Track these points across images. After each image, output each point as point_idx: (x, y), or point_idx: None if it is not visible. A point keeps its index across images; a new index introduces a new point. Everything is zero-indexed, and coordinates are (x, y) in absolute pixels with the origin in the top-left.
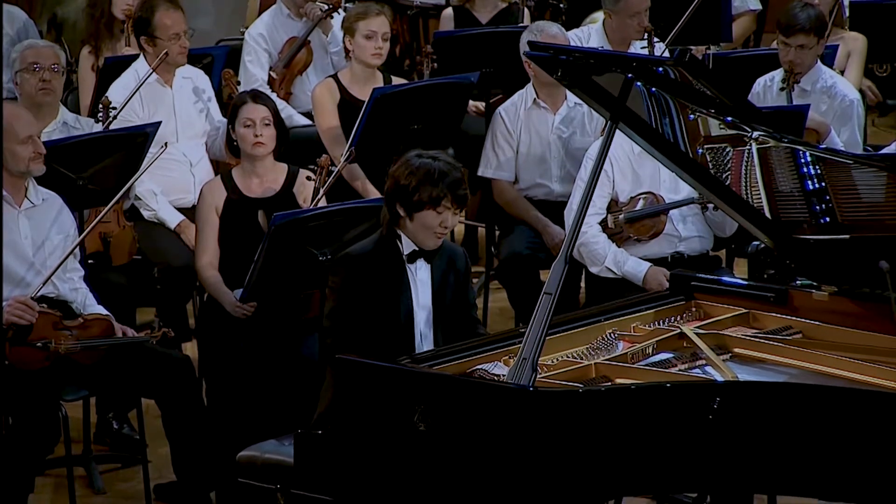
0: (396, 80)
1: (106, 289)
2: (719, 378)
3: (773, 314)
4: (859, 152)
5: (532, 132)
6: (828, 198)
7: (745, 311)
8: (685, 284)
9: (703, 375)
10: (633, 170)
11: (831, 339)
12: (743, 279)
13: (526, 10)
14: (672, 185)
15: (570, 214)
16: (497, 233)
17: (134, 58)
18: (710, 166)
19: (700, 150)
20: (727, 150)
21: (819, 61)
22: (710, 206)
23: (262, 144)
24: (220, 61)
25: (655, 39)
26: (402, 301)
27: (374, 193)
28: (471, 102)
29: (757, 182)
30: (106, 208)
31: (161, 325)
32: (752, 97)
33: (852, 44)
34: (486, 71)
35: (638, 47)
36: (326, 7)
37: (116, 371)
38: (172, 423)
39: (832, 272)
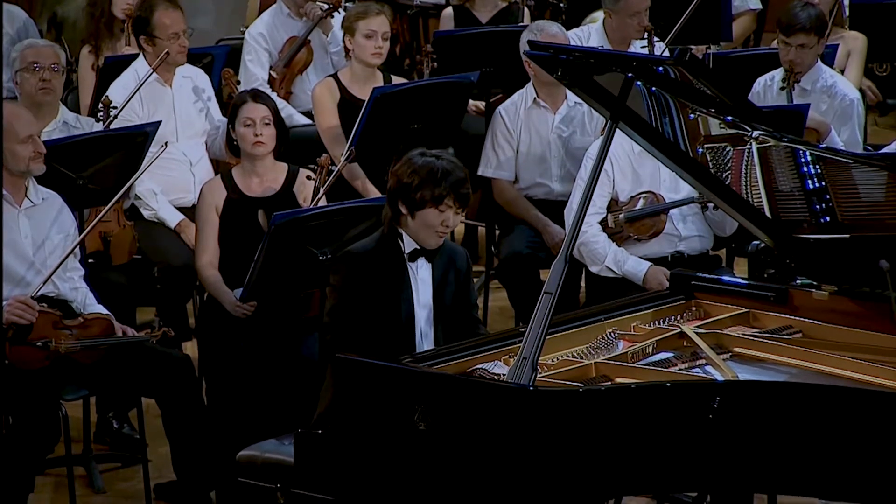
0: (396, 80)
1: (106, 288)
2: (719, 377)
3: (774, 313)
4: (859, 152)
5: (532, 131)
6: (828, 197)
7: (745, 310)
8: (685, 284)
9: (704, 375)
10: (634, 169)
11: (831, 339)
12: (743, 278)
13: (526, 9)
14: (672, 185)
15: (570, 214)
16: (497, 232)
17: (134, 57)
18: (711, 166)
19: (700, 150)
20: (727, 149)
21: (819, 61)
22: (711, 205)
23: (262, 144)
24: (220, 60)
25: (655, 39)
26: (402, 299)
27: (374, 193)
28: (471, 102)
29: (757, 181)
30: (106, 208)
31: (161, 325)
32: (752, 97)
33: (852, 43)
34: (486, 70)
35: (638, 47)
36: (326, 6)
37: (116, 370)
38: (172, 422)
39: (832, 271)
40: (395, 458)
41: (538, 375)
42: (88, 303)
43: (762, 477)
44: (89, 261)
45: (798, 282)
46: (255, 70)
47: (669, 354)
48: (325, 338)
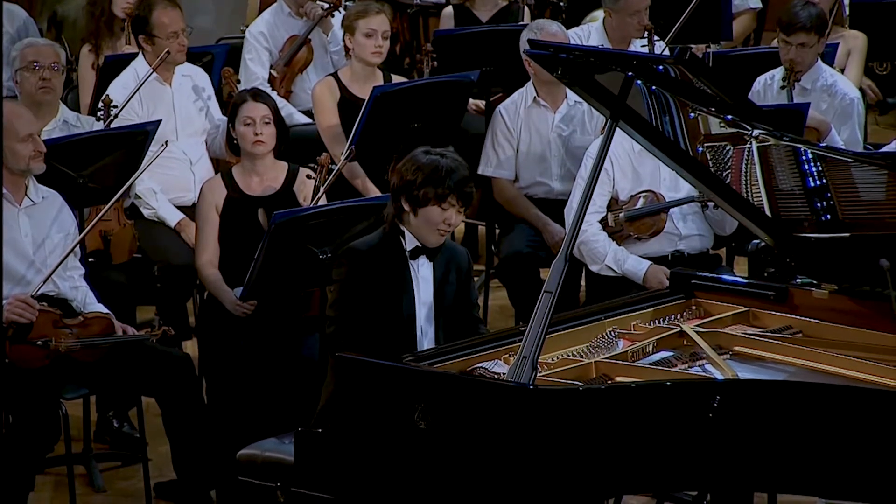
0: (396, 79)
1: (106, 287)
2: (719, 376)
3: (774, 312)
4: (860, 150)
5: (532, 130)
6: (829, 195)
7: (745, 309)
8: (685, 283)
9: (703, 374)
10: (634, 168)
11: (831, 338)
12: (743, 277)
13: (526, 8)
14: (672, 184)
15: (570, 213)
16: (497, 231)
17: (134, 56)
18: (711, 164)
19: (700, 149)
20: (727, 148)
21: (819, 60)
22: (711, 204)
23: (263, 143)
24: (220, 59)
25: (655, 38)
26: (403, 297)
27: (374, 192)
28: (471, 101)
29: (757, 180)
30: (106, 207)
31: (161, 324)
32: (752, 95)
33: (852, 42)
34: (486, 69)
35: (638, 45)
36: (327, 6)
37: (116, 369)
38: (173, 421)
39: (832, 270)
40: (395, 457)
41: (538, 374)
42: (88, 302)
43: (762, 476)
44: (89, 260)
45: (798, 280)
46: (255, 69)
47: (669, 353)
48: (326, 331)
